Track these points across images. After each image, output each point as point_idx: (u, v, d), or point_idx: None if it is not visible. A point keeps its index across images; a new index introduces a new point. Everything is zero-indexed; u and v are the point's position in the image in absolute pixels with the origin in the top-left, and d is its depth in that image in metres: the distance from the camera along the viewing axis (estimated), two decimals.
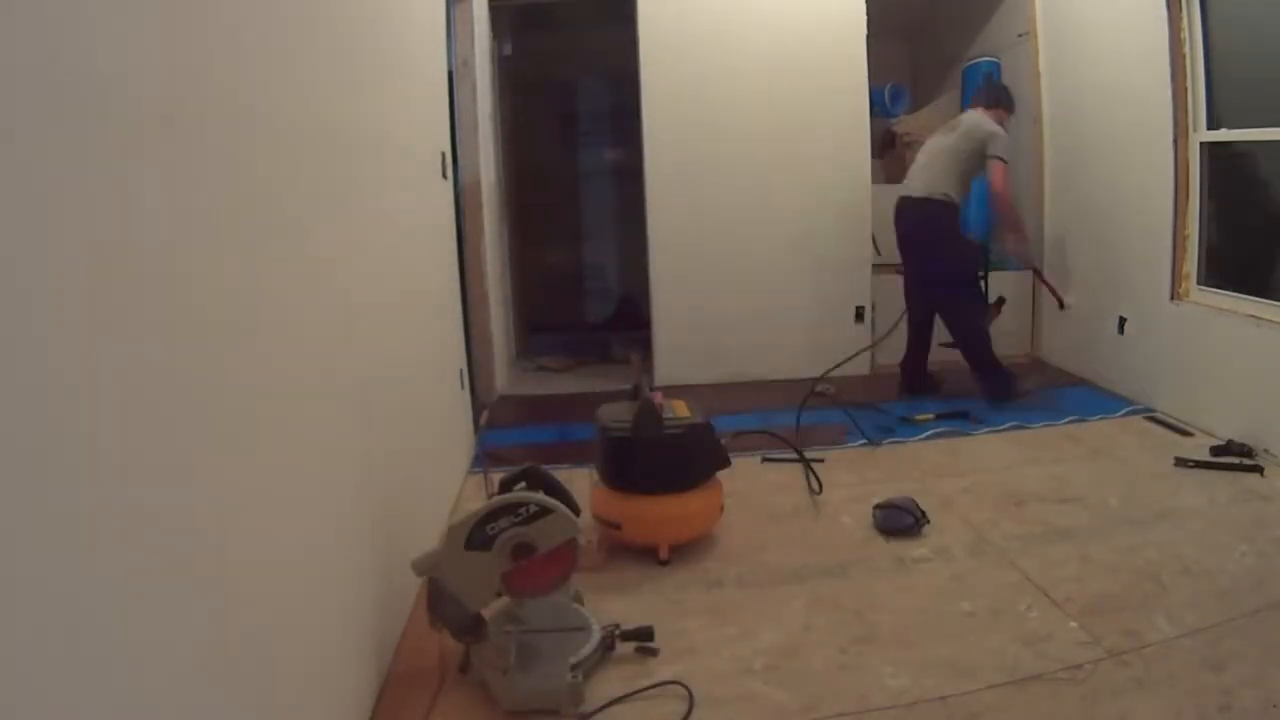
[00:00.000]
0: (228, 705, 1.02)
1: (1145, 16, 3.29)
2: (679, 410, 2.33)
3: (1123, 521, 2.40)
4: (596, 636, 1.74)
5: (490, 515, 1.58)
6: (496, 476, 2.60)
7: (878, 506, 2.45)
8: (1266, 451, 2.78)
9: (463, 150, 3.51)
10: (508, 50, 4.67)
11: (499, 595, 1.67)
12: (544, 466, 1.75)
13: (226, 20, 1.11)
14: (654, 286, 4.09)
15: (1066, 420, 3.34)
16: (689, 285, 4.05)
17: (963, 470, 2.84)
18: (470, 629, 1.65)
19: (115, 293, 0.83)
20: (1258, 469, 2.68)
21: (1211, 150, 3.16)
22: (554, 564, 1.64)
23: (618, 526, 2.23)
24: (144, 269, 0.88)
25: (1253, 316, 2.94)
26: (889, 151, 4.80)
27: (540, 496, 1.62)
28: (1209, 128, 3.16)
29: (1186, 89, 3.19)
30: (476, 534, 1.58)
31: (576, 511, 1.67)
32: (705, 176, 4.05)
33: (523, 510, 1.59)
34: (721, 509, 2.35)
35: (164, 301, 0.92)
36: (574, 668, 1.63)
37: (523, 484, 1.68)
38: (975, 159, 3.52)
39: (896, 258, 4.57)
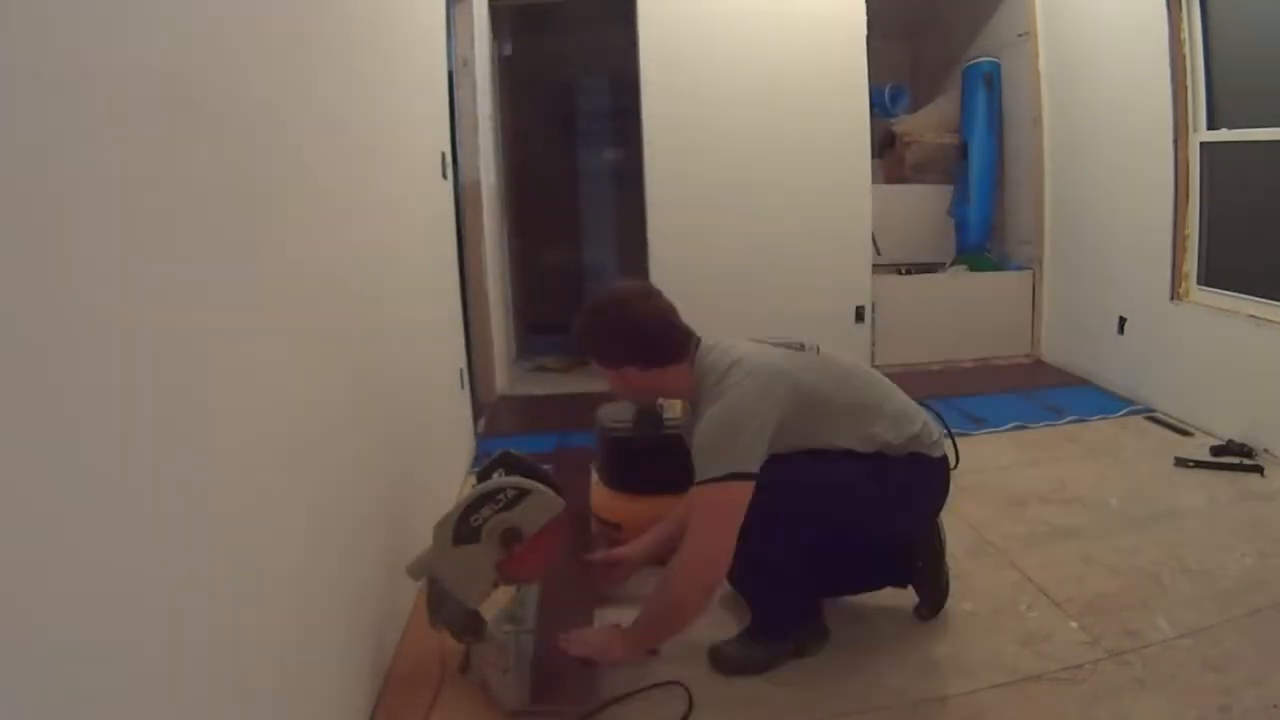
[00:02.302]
0: (227, 706, 1.02)
1: (1145, 17, 3.29)
2: (679, 410, 2.33)
3: (1123, 521, 2.40)
4: None
5: (471, 507, 1.56)
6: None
7: None
8: (1266, 451, 2.78)
9: (463, 150, 3.51)
10: (508, 50, 4.67)
11: (496, 586, 1.65)
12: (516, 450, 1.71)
13: (232, 17, 1.11)
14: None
15: (1066, 420, 3.33)
16: (689, 285, 4.02)
17: (963, 470, 2.83)
18: (470, 629, 1.65)
19: (115, 297, 0.83)
20: (1258, 469, 2.68)
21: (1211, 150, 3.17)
22: (545, 545, 1.62)
23: (618, 527, 2.23)
24: (142, 270, 0.88)
25: (1253, 316, 2.94)
26: (889, 151, 4.80)
27: (516, 479, 1.59)
28: (1209, 128, 3.16)
29: (1186, 89, 3.19)
30: (462, 528, 1.56)
31: (556, 489, 1.63)
32: (705, 176, 4.05)
33: (501, 496, 1.56)
34: None
35: (155, 303, 0.92)
36: None
37: (500, 470, 1.66)
38: None
39: (897, 258, 4.60)
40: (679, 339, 1.77)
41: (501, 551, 1.57)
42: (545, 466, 1.71)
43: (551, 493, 1.60)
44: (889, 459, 1.70)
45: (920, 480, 1.77)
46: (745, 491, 1.55)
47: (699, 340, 1.79)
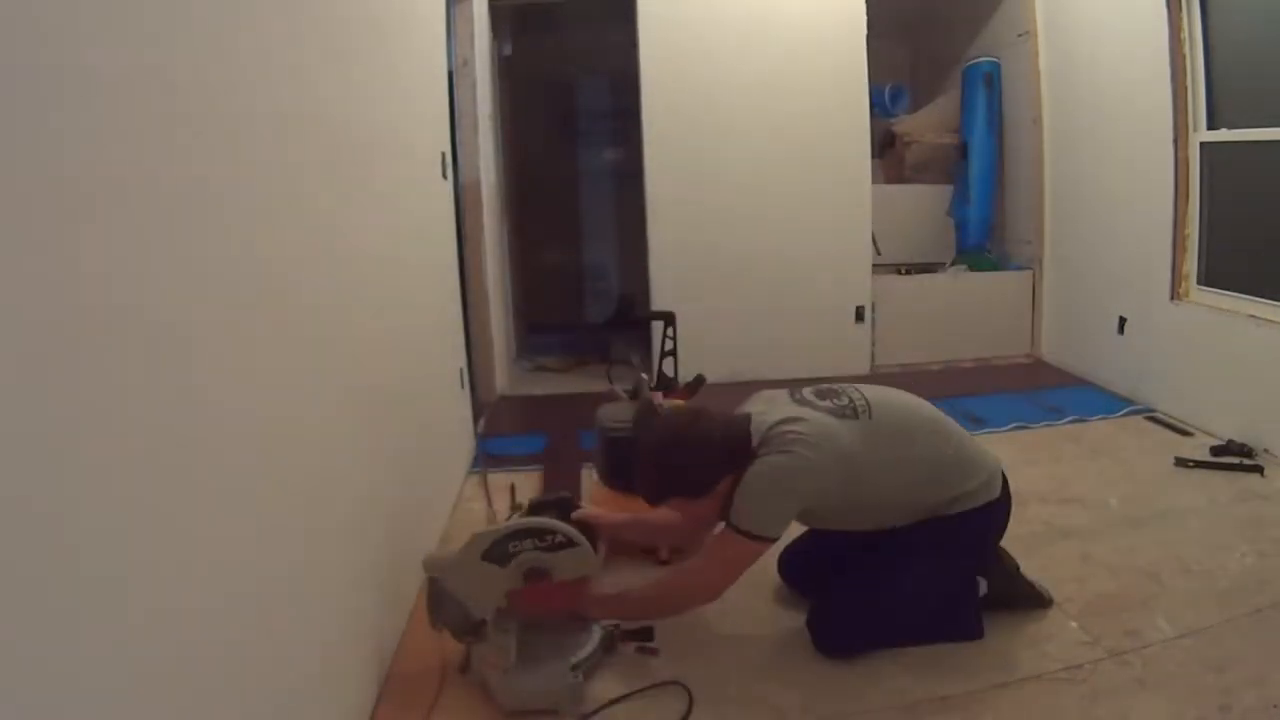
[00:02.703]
0: (228, 706, 1.02)
1: (1145, 16, 3.29)
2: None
3: (1123, 521, 2.40)
4: (597, 636, 1.74)
5: (517, 534, 1.60)
6: (494, 476, 2.61)
7: None
8: (1266, 451, 2.78)
9: (463, 150, 3.51)
10: (508, 50, 4.67)
11: (500, 610, 1.68)
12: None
13: (233, 19, 1.11)
14: (654, 286, 4.09)
15: (1066, 420, 3.33)
16: (689, 285, 4.05)
17: None
18: (471, 629, 1.65)
19: (109, 298, 0.83)
20: (1258, 469, 2.68)
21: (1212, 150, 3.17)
22: (561, 595, 1.66)
23: None
24: (139, 270, 0.88)
25: (1253, 316, 2.94)
26: (889, 151, 4.80)
27: (568, 528, 1.63)
28: (1209, 128, 3.16)
29: (1186, 89, 3.19)
30: (497, 548, 1.59)
31: (597, 551, 1.68)
32: (705, 176, 4.05)
33: (550, 537, 1.61)
34: None
35: (159, 303, 0.92)
36: (574, 668, 1.63)
37: (554, 512, 1.70)
38: None
39: (897, 257, 4.60)
40: (739, 422, 1.76)
41: (520, 583, 1.60)
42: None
43: (593, 554, 1.64)
44: (947, 522, 1.74)
45: (981, 531, 1.82)
46: (763, 550, 1.68)
47: (748, 413, 1.78)
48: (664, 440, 1.73)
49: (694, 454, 1.68)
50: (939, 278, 4.54)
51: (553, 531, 1.61)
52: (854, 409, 1.74)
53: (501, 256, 4.29)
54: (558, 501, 1.73)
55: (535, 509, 1.71)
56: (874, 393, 1.81)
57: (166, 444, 0.90)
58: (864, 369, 4.24)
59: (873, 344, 4.29)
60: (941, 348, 4.39)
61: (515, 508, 2.06)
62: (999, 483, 1.82)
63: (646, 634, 1.80)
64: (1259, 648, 1.73)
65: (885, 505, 1.75)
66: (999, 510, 1.82)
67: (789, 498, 1.66)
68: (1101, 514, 2.45)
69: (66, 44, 0.76)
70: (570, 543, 1.61)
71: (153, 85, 0.91)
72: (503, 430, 3.47)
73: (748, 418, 1.74)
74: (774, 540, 1.68)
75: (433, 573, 1.63)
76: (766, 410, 1.75)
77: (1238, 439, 2.86)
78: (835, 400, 1.76)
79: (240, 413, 1.09)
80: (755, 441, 1.69)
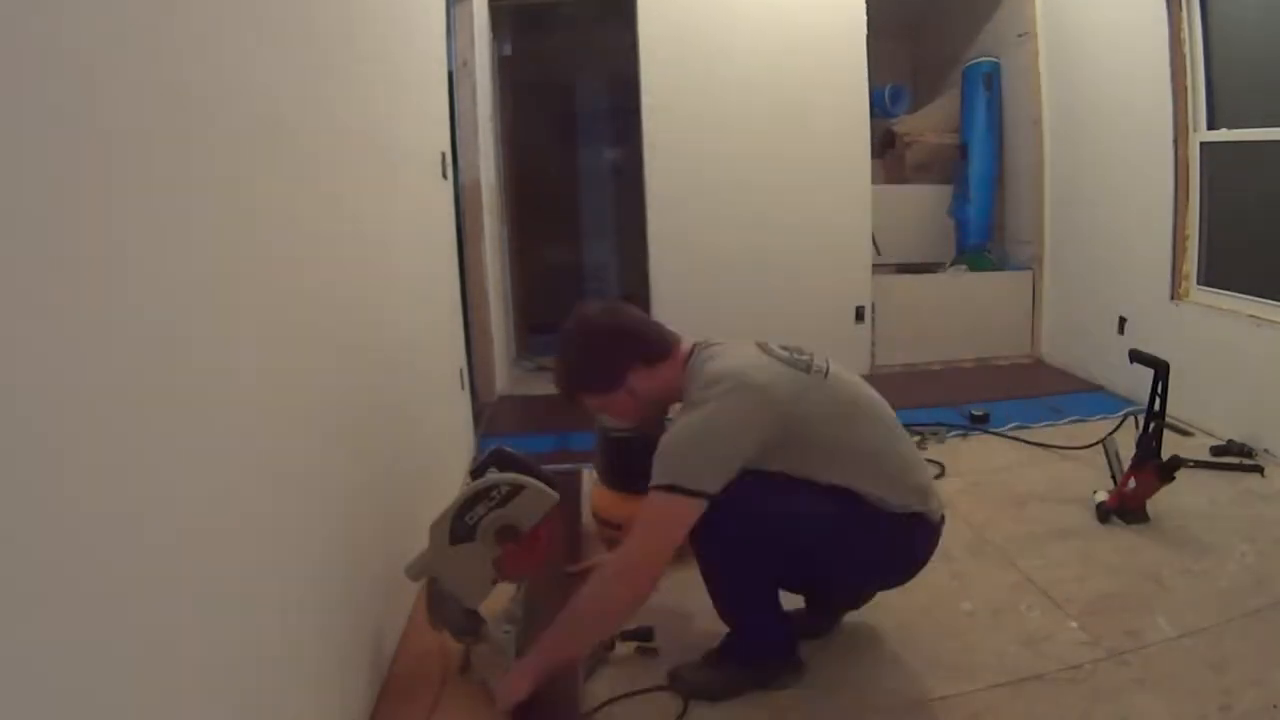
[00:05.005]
0: (226, 707, 1.02)
1: (1145, 16, 3.29)
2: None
3: (1122, 521, 2.39)
4: None
5: (465, 505, 1.56)
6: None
7: None
8: (1266, 451, 2.78)
9: (463, 150, 3.51)
10: (508, 50, 4.67)
11: (495, 584, 1.65)
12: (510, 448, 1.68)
13: (229, 18, 1.11)
14: (654, 286, 4.09)
15: (1066, 420, 3.34)
16: (689, 285, 4.05)
17: (963, 470, 2.84)
18: (470, 629, 1.65)
19: (102, 296, 0.83)
20: (1258, 469, 2.68)
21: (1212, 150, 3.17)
22: (541, 540, 1.61)
23: (618, 527, 2.23)
24: (134, 271, 0.88)
25: (1253, 316, 2.94)
26: (889, 151, 4.81)
27: (510, 475, 1.58)
28: (1209, 128, 3.17)
29: (1186, 89, 3.19)
30: (458, 527, 1.55)
31: (550, 483, 1.60)
32: (705, 176, 4.05)
33: (495, 493, 1.55)
34: None
35: (154, 302, 0.92)
36: None
37: (492, 468, 1.65)
38: None
39: (897, 257, 4.60)
40: (664, 331, 1.74)
41: (499, 548, 1.57)
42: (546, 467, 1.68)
43: (545, 487, 1.58)
44: (882, 513, 1.56)
45: (916, 543, 1.64)
46: (692, 509, 1.45)
47: (697, 342, 1.72)
48: (573, 325, 1.70)
49: (599, 334, 1.68)
50: (939, 278, 4.54)
51: (496, 485, 1.55)
52: (810, 361, 1.63)
53: (501, 256, 4.29)
54: (491, 459, 1.67)
55: (473, 475, 1.66)
56: (840, 369, 1.69)
57: (164, 447, 0.90)
58: (864, 369, 4.24)
59: (873, 344, 4.29)
60: (941, 348, 4.39)
61: None
62: (940, 501, 1.67)
63: (646, 634, 1.80)
64: (1259, 648, 1.73)
65: (828, 469, 1.55)
66: (937, 531, 1.65)
67: (719, 445, 1.47)
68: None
69: (66, 40, 0.76)
70: (518, 488, 1.56)
71: (150, 84, 0.91)
72: (503, 430, 3.47)
73: (684, 339, 1.72)
74: (706, 497, 1.45)
75: (416, 576, 1.61)
76: (721, 348, 1.66)
77: (1238, 439, 2.86)
78: (797, 355, 1.64)
79: (238, 414, 1.09)
80: (690, 366, 1.64)
